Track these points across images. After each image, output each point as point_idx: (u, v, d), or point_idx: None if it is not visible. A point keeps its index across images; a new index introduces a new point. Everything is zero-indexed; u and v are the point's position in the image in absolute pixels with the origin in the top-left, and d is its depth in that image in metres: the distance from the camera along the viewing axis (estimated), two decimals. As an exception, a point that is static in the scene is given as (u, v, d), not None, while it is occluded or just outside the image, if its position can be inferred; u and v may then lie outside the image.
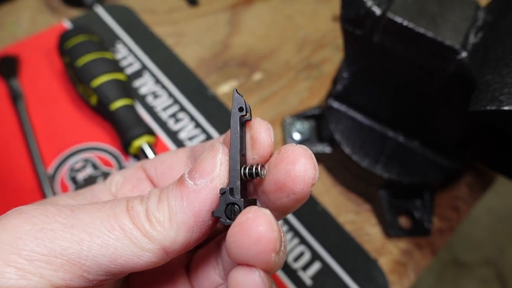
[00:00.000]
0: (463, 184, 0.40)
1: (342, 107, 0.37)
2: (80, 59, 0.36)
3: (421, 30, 0.26)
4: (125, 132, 0.35)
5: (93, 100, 0.36)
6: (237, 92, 0.17)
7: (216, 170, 0.16)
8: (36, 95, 0.39)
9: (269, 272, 0.15)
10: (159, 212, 0.16)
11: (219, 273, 0.20)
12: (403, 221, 0.37)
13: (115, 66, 0.37)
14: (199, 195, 0.16)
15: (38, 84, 0.39)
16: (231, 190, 0.17)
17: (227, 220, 0.16)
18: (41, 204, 0.17)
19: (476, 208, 0.38)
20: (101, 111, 0.36)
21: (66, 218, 0.15)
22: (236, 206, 0.16)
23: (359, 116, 0.36)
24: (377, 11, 0.27)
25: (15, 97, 0.38)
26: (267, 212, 0.15)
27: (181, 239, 0.16)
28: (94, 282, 0.16)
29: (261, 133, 0.18)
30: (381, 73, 0.31)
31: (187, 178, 0.17)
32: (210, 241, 0.21)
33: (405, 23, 0.26)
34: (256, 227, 0.14)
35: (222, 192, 0.17)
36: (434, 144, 0.35)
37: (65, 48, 0.37)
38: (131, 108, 0.36)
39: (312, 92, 0.44)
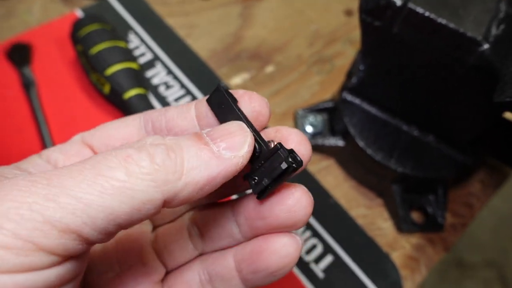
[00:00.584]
0: (476, 181, 0.40)
1: (356, 100, 0.36)
2: (93, 48, 0.36)
3: (443, 21, 0.26)
4: (138, 121, 0.34)
5: (106, 88, 0.36)
6: (220, 86, 0.18)
7: (244, 148, 0.16)
8: (49, 83, 0.38)
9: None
10: (170, 160, 0.15)
11: (194, 246, 0.20)
12: (416, 216, 0.37)
13: (129, 55, 0.37)
14: (221, 163, 0.15)
15: (50, 72, 0.39)
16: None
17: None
18: None
19: (480, 210, 0.37)
20: (114, 100, 0.36)
21: (45, 188, 0.14)
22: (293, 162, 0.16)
23: (373, 110, 0.36)
24: (398, 1, 0.27)
25: (27, 85, 0.38)
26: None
27: (183, 196, 0.15)
28: (94, 242, 0.15)
29: (264, 107, 0.18)
30: (398, 66, 0.31)
31: (210, 141, 0.16)
32: (177, 218, 0.21)
33: (427, 13, 0.26)
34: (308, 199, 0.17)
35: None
36: (449, 139, 0.34)
37: (79, 36, 0.37)
38: (144, 97, 0.36)
39: (323, 86, 0.44)
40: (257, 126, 0.18)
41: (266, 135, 0.19)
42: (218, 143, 0.16)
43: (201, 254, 0.20)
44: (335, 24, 0.49)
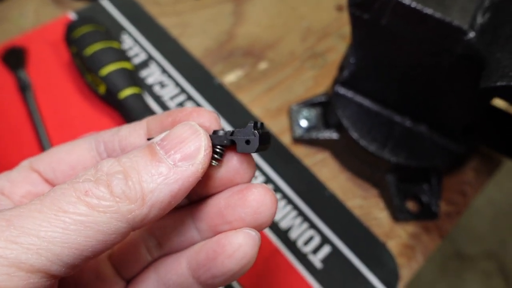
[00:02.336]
0: (469, 169, 0.40)
1: (348, 93, 0.37)
2: (88, 48, 0.36)
3: (429, 11, 0.26)
4: (134, 120, 0.35)
5: (102, 89, 0.36)
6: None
7: (200, 154, 0.16)
8: (44, 86, 0.39)
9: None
10: (129, 188, 0.15)
11: (151, 257, 0.20)
12: (411, 205, 0.37)
13: (122, 55, 0.38)
14: (181, 177, 0.15)
15: (45, 74, 0.39)
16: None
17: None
18: None
19: (478, 201, 0.38)
20: (110, 99, 0.36)
21: (5, 230, 0.13)
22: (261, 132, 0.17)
23: (366, 102, 0.37)
24: (385, -7, 0.27)
25: (23, 88, 0.38)
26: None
27: (152, 216, 0.15)
28: (62, 275, 0.15)
29: (213, 121, 0.18)
30: (388, 57, 0.32)
31: (164, 157, 0.16)
32: None
33: (413, 4, 0.26)
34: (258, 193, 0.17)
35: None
36: (441, 128, 0.35)
37: (73, 37, 0.37)
38: (139, 97, 0.36)
39: (317, 80, 0.44)
40: None
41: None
42: (173, 155, 0.16)
43: (155, 260, 0.20)
44: (327, 20, 0.49)
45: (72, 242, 0.14)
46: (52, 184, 0.19)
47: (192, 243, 0.19)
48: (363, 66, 0.34)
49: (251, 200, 0.17)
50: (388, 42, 0.30)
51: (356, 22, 0.30)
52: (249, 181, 0.18)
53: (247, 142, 0.16)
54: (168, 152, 0.16)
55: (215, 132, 0.17)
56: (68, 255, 0.14)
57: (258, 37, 0.47)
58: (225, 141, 0.17)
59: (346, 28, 0.49)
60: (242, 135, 0.17)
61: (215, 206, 0.18)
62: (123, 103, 0.36)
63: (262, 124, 0.17)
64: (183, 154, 0.16)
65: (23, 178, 0.19)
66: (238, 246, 0.17)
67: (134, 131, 0.19)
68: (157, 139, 0.16)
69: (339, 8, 0.51)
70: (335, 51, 0.47)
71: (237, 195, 0.18)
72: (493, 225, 1.21)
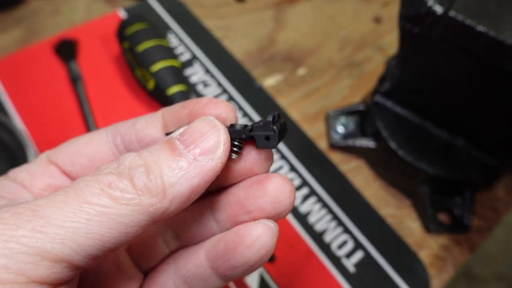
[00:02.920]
0: (501, 186, 0.41)
1: (388, 103, 0.38)
2: (140, 45, 0.38)
3: (483, 29, 0.27)
4: (181, 116, 0.36)
5: (151, 84, 0.38)
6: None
7: (220, 149, 0.16)
8: (94, 78, 0.40)
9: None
10: (151, 182, 0.15)
11: (169, 250, 0.20)
12: (443, 217, 0.38)
13: (172, 53, 0.39)
14: (201, 172, 0.15)
15: (95, 67, 0.41)
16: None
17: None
18: None
19: (506, 214, 0.38)
20: (158, 95, 0.38)
21: (31, 220, 0.14)
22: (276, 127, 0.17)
23: (405, 113, 0.38)
24: (439, 10, 0.28)
25: (74, 79, 0.40)
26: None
27: (172, 209, 0.15)
28: (85, 267, 0.15)
29: (229, 112, 0.18)
30: (434, 71, 0.33)
31: (185, 151, 0.16)
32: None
33: (467, 22, 0.27)
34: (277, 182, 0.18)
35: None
36: (478, 142, 0.36)
37: (126, 34, 0.39)
38: (186, 94, 0.38)
39: (353, 89, 0.45)
40: None
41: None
42: (193, 150, 0.16)
43: (173, 252, 0.20)
44: (364, 31, 0.50)
45: (95, 233, 0.14)
46: (70, 176, 0.19)
47: (211, 235, 0.19)
48: (406, 78, 0.35)
49: (270, 190, 0.17)
50: (436, 56, 0.31)
51: (405, 35, 0.31)
52: (268, 171, 0.19)
53: (267, 138, 0.17)
54: (188, 146, 0.16)
55: (232, 125, 0.17)
56: (91, 246, 0.14)
57: (297, 43, 0.48)
58: (243, 136, 0.17)
59: (383, 40, 0.50)
60: (261, 131, 0.17)
61: (235, 196, 0.18)
62: (170, 100, 0.37)
63: (279, 115, 0.17)
64: (203, 148, 0.16)
65: (42, 171, 0.19)
66: (257, 237, 0.17)
67: (150, 123, 0.19)
68: (176, 133, 0.16)
69: (376, 20, 0.52)
70: (372, 62, 0.48)
71: (256, 185, 0.18)
72: (505, 246, 1.20)
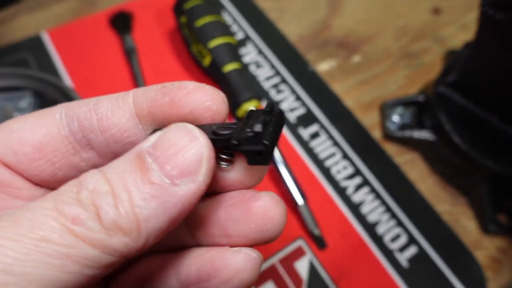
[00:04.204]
0: None
1: (453, 95, 0.36)
2: (198, 20, 0.37)
3: None
4: (236, 94, 0.35)
5: (207, 61, 0.37)
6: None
7: (202, 170, 0.13)
8: (148, 52, 0.40)
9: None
10: (121, 217, 0.12)
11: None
12: (502, 218, 0.36)
13: (228, 30, 0.38)
14: (180, 199, 0.12)
15: (150, 41, 0.41)
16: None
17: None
18: None
19: None
20: (213, 72, 0.37)
21: None
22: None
23: (470, 106, 0.36)
24: (530, -7, 0.26)
25: (129, 52, 0.39)
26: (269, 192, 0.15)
27: (149, 244, 0.13)
28: None
29: (220, 103, 0.15)
30: (511, 63, 0.31)
31: (160, 175, 0.12)
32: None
33: None
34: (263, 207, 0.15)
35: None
36: (551, 142, 0.33)
37: (184, 8, 0.38)
38: (241, 72, 0.37)
39: (410, 80, 0.43)
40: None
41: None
42: (169, 171, 0.12)
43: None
44: (422, 21, 0.48)
45: (56, 280, 0.11)
46: (14, 169, 0.15)
47: (183, 246, 0.16)
48: (479, 69, 0.33)
49: (256, 215, 0.14)
50: (518, 45, 0.29)
51: (487, 21, 0.29)
52: (258, 182, 0.15)
53: (258, 153, 0.13)
54: (163, 166, 0.13)
55: (220, 127, 0.14)
56: None
57: (352, 30, 0.46)
58: (230, 151, 0.14)
59: (442, 32, 0.47)
60: (250, 145, 0.13)
61: (214, 215, 0.15)
62: (226, 77, 0.36)
63: (272, 105, 0.14)
64: (181, 169, 0.13)
65: None
66: (235, 272, 0.14)
67: (117, 109, 0.15)
68: (146, 144, 0.13)
69: (435, 11, 0.49)
70: (430, 53, 0.46)
71: (240, 206, 0.15)
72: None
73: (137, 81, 0.38)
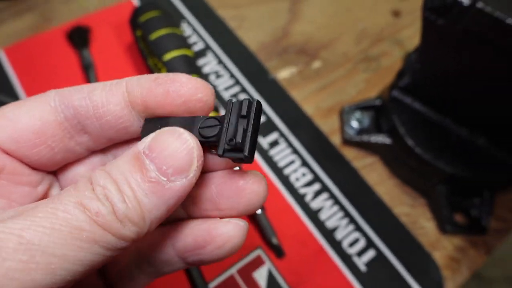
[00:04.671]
0: (521, 187, 0.39)
1: (406, 99, 0.37)
2: (153, 33, 0.37)
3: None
4: (192, 106, 0.35)
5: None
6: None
7: (193, 167, 0.15)
8: (106, 66, 0.40)
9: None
10: (130, 212, 0.14)
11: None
12: (459, 218, 0.37)
13: (185, 42, 0.38)
14: (176, 192, 0.15)
15: (108, 55, 0.41)
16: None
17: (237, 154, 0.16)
18: None
19: None
20: (169, 85, 0.37)
21: (17, 249, 0.13)
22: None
23: (424, 109, 0.36)
24: (466, 0, 0.27)
25: (86, 66, 0.39)
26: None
27: (153, 227, 0.15)
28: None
29: (208, 94, 0.17)
30: (458, 66, 0.31)
31: (157, 174, 0.15)
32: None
33: (496, 14, 0.26)
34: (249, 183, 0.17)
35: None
36: (501, 142, 0.34)
37: (139, 21, 0.38)
38: (198, 84, 0.37)
39: (369, 84, 0.44)
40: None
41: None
42: (165, 171, 0.15)
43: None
44: (382, 24, 0.49)
45: (85, 259, 0.14)
46: (15, 156, 0.17)
47: (176, 219, 0.18)
48: (427, 72, 0.33)
49: (245, 191, 0.17)
50: (460, 49, 0.30)
51: (428, 27, 0.30)
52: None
53: (240, 159, 0.15)
54: (160, 167, 0.15)
55: (205, 127, 0.16)
56: (80, 272, 0.14)
57: (312, 35, 0.47)
58: (218, 153, 0.16)
59: (401, 34, 0.48)
60: (233, 153, 0.15)
61: (207, 191, 0.17)
62: (182, 89, 0.36)
63: (249, 104, 0.16)
64: (175, 168, 0.15)
65: None
66: (228, 238, 0.17)
67: (112, 96, 0.16)
68: (142, 146, 0.15)
69: (395, 13, 0.50)
70: (390, 56, 0.46)
71: (230, 183, 0.17)
72: (517, 249, 1.17)
73: (94, 96, 0.38)
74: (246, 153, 0.15)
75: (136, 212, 0.14)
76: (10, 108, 0.17)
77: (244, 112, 0.15)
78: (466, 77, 0.32)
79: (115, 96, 0.16)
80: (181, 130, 0.15)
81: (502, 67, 0.29)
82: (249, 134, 0.15)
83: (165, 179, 0.15)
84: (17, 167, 0.17)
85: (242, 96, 0.40)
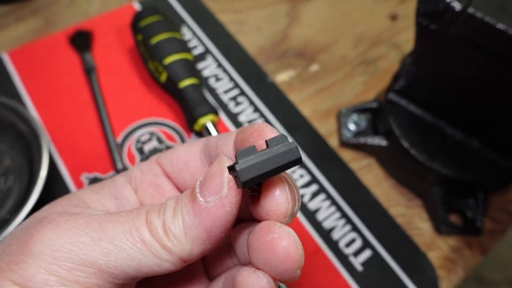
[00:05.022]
0: (516, 189, 0.40)
1: (402, 102, 0.37)
2: (154, 38, 0.38)
3: (502, 27, 0.26)
4: (192, 109, 0.36)
5: (163, 77, 0.38)
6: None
7: (224, 189, 0.16)
8: (108, 69, 0.41)
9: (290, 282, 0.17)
10: (174, 226, 0.17)
11: (232, 261, 0.22)
12: (454, 219, 0.37)
13: (185, 46, 0.39)
14: (210, 213, 0.16)
15: (110, 59, 0.41)
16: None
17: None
18: (71, 205, 0.19)
19: None
20: (170, 88, 0.38)
21: (94, 230, 0.17)
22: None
23: (419, 111, 0.37)
24: (457, 6, 0.28)
25: (88, 70, 0.40)
26: (291, 230, 0.16)
27: (196, 251, 0.17)
28: (122, 285, 0.17)
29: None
30: (451, 69, 0.32)
31: (198, 194, 0.17)
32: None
33: (487, 19, 0.27)
34: (283, 248, 0.16)
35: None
36: (494, 144, 0.35)
37: (140, 26, 0.39)
38: (198, 87, 0.38)
39: (367, 87, 0.45)
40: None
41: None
42: (204, 192, 0.17)
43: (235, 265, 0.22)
44: (380, 28, 0.50)
45: (134, 256, 0.17)
46: (169, 176, 0.22)
47: (229, 266, 0.21)
48: (422, 76, 0.34)
49: (278, 255, 0.16)
50: (453, 54, 0.30)
51: (422, 32, 0.31)
52: (284, 217, 0.17)
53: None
54: (202, 190, 0.17)
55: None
56: (130, 267, 0.17)
57: (311, 39, 0.47)
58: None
59: (399, 37, 0.49)
60: (235, 172, 0.16)
61: (242, 239, 0.20)
62: (182, 92, 0.37)
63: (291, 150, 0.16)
64: (210, 190, 0.17)
65: (149, 169, 0.22)
66: None
67: (226, 141, 0.20)
68: (202, 178, 0.18)
69: (392, 17, 0.51)
70: (387, 59, 0.47)
71: (264, 243, 0.16)
72: (517, 251, 1.17)
73: (96, 99, 0.39)
74: (239, 175, 0.15)
75: (178, 227, 0.17)
76: (181, 144, 0.23)
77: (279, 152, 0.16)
78: (459, 81, 0.32)
79: (228, 141, 0.20)
80: (225, 157, 0.17)
81: (494, 71, 0.29)
82: (257, 162, 0.15)
83: (202, 199, 0.17)
84: (167, 186, 0.22)
85: (241, 99, 0.41)
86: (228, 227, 0.17)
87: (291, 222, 0.18)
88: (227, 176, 0.17)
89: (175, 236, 0.17)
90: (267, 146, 0.16)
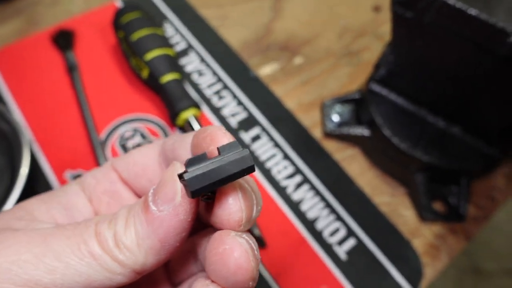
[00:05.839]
0: (500, 175, 0.40)
1: (383, 91, 0.37)
2: (134, 34, 0.38)
3: (474, 12, 0.27)
4: (174, 104, 0.36)
5: (145, 73, 0.38)
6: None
7: (177, 197, 0.16)
8: (90, 67, 0.41)
9: None
10: (126, 237, 0.16)
11: (197, 267, 0.21)
12: (438, 206, 0.38)
13: (166, 42, 0.39)
14: (163, 222, 0.16)
15: (92, 57, 0.42)
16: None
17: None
18: (13, 218, 0.18)
19: (498, 217, 0.38)
20: (152, 84, 0.38)
21: (38, 246, 0.16)
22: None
23: (400, 100, 0.37)
24: (430, -7, 0.28)
25: (71, 69, 0.40)
26: (243, 242, 0.15)
27: (150, 262, 0.16)
28: None
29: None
30: (428, 57, 0.32)
31: (151, 203, 0.16)
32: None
33: (458, 5, 0.27)
34: (234, 259, 0.15)
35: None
36: (475, 130, 0.35)
37: (121, 23, 0.39)
38: (179, 82, 0.38)
39: (351, 78, 0.45)
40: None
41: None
42: (157, 200, 0.16)
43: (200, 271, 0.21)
44: (364, 20, 0.50)
45: (83, 272, 0.16)
46: (125, 182, 0.21)
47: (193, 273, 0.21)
48: (401, 64, 0.34)
49: (230, 266, 0.15)
50: (429, 41, 0.31)
51: (398, 20, 0.31)
52: (238, 225, 0.16)
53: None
54: (155, 199, 0.16)
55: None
56: (78, 283, 0.16)
57: (295, 32, 0.47)
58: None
59: (382, 29, 0.49)
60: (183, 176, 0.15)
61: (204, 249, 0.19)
62: (164, 88, 0.37)
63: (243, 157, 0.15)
64: (163, 198, 0.16)
65: (104, 175, 0.21)
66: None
67: (182, 144, 0.19)
68: (154, 186, 0.17)
69: (376, 9, 0.51)
70: (371, 50, 0.47)
71: (219, 257, 0.16)
72: (512, 242, 1.18)
73: (79, 97, 0.39)
74: (188, 185, 0.15)
75: (131, 237, 0.16)
76: (136, 148, 0.22)
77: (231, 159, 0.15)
78: (438, 68, 0.33)
79: (183, 143, 0.19)
80: (178, 164, 0.17)
81: (470, 58, 0.30)
82: (206, 171, 0.15)
83: (155, 208, 0.16)
84: (125, 192, 0.21)
85: (225, 93, 0.41)
86: (184, 235, 0.16)
87: (249, 227, 0.17)
88: (179, 183, 0.16)
89: (127, 248, 0.16)
90: (219, 153, 0.16)
